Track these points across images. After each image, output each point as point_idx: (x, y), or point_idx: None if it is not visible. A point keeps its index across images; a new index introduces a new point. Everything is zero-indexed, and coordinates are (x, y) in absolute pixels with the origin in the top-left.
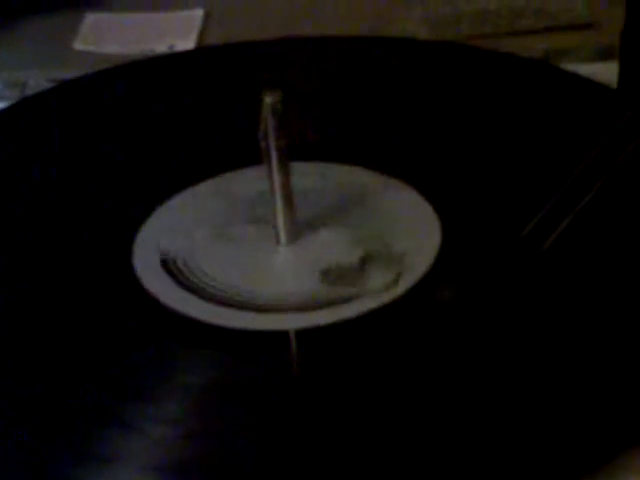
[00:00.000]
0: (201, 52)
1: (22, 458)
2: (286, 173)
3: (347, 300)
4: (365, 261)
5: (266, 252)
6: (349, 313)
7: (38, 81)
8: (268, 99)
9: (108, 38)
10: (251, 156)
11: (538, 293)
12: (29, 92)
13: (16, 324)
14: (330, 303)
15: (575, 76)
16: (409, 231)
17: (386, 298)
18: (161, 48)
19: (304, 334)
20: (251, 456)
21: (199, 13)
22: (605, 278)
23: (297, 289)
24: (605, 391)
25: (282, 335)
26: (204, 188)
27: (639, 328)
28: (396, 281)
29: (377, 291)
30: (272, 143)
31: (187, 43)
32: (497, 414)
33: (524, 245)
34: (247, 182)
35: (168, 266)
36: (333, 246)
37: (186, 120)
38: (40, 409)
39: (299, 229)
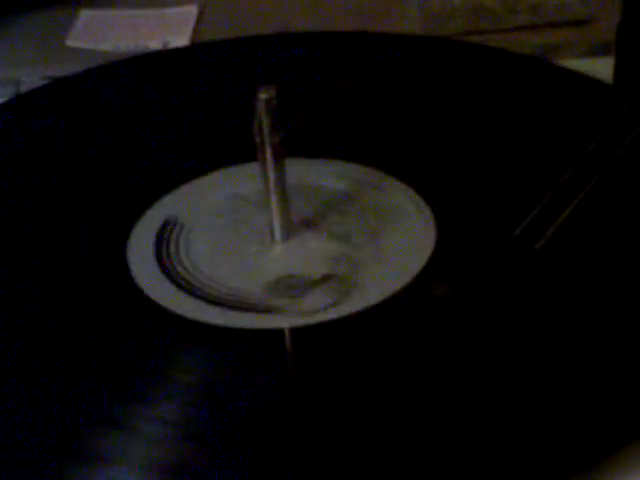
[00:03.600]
0: (195, 48)
1: (18, 458)
2: (281, 169)
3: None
4: (325, 280)
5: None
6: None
7: (32, 78)
8: (263, 95)
9: (102, 35)
10: (246, 152)
11: (532, 291)
12: (23, 89)
13: (9, 324)
14: (267, 310)
15: (571, 72)
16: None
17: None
18: (155, 45)
19: (300, 332)
20: (249, 456)
21: (193, 9)
22: (600, 276)
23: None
24: (603, 386)
25: (278, 333)
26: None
27: (635, 325)
28: (332, 306)
29: (305, 313)
30: (267, 139)
31: (181, 39)
32: (494, 411)
33: (518, 243)
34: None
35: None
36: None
37: (180, 117)
38: (35, 409)
39: (294, 226)
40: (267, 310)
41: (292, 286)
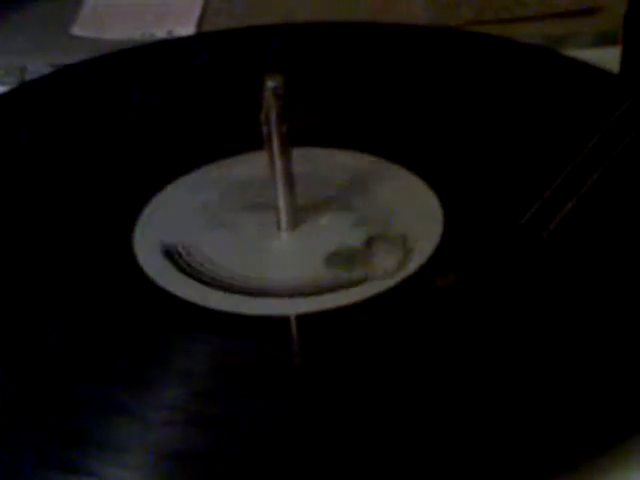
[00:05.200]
0: (201, 37)
1: (23, 444)
2: (287, 158)
3: (356, 283)
4: (370, 243)
5: (268, 238)
6: (352, 298)
7: (38, 66)
8: (270, 84)
9: (107, 23)
10: (252, 141)
11: (539, 280)
12: (29, 77)
13: (17, 313)
14: (337, 287)
15: (577, 62)
16: (411, 217)
17: (394, 281)
18: (161, 33)
19: (307, 319)
20: (253, 441)
21: None
22: (606, 265)
23: (300, 274)
24: (605, 378)
25: (284, 320)
26: (205, 173)
27: (638, 316)
28: (403, 262)
29: (386, 273)
30: (273, 128)
31: (187, 28)
32: (496, 401)
33: (525, 232)
34: (248, 167)
35: (169, 252)
36: (335, 230)
37: (186, 105)
38: (40, 395)
39: (301, 214)
40: (335, 287)
41: (349, 257)
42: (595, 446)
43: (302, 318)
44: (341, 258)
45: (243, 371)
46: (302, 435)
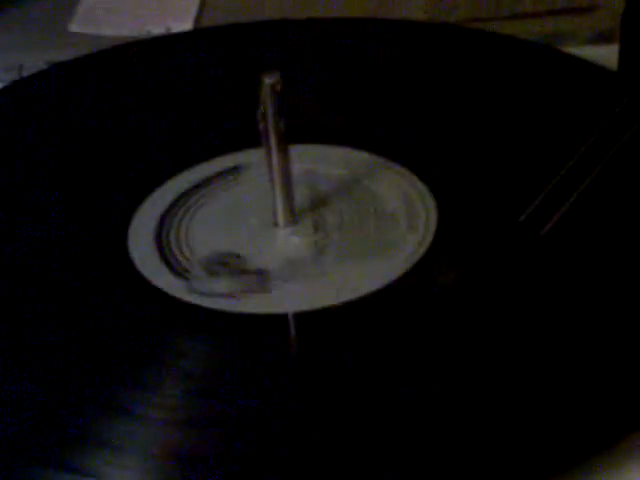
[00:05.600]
0: (198, 33)
1: (23, 444)
2: (285, 155)
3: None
4: (251, 274)
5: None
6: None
7: (35, 63)
8: (267, 80)
9: (104, 20)
10: (249, 138)
11: (536, 278)
12: (26, 75)
13: (13, 313)
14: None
15: (575, 59)
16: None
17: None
18: (158, 29)
19: (305, 317)
20: (251, 441)
21: None
22: (603, 263)
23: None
24: (605, 378)
25: (282, 319)
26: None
27: (636, 315)
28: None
29: (203, 294)
30: (271, 125)
31: (184, 25)
32: (496, 401)
33: (522, 230)
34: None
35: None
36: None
37: (183, 102)
38: (39, 396)
39: (298, 211)
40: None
41: (223, 264)
42: (595, 446)
43: (300, 316)
44: (214, 263)
45: (242, 370)
46: (300, 434)
